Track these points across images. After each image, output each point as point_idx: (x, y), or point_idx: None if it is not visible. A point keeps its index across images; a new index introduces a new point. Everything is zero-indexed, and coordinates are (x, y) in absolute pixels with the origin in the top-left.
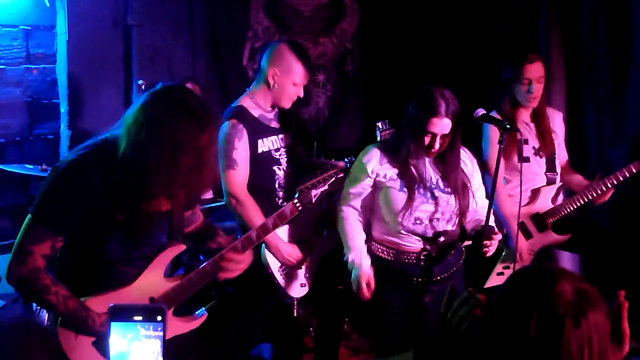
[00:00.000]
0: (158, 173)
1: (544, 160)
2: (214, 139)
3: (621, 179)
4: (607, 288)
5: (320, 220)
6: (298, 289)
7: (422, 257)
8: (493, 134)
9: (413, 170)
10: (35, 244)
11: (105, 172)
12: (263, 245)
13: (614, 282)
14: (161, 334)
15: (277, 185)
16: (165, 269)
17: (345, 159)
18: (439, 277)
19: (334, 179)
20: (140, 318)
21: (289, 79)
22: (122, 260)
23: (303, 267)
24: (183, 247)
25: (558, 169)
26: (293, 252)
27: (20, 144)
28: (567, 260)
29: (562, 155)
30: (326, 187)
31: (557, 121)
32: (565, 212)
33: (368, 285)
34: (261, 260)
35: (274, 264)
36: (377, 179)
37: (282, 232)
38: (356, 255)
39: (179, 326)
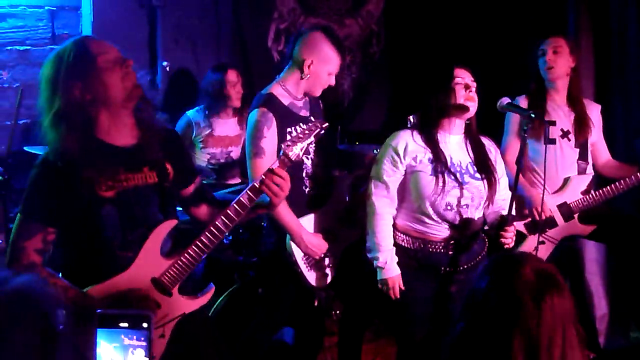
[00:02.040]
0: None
1: (572, 143)
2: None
3: None
4: (631, 278)
5: (346, 210)
6: (321, 278)
7: (449, 246)
8: (513, 123)
9: (443, 153)
10: (27, 239)
11: (81, 153)
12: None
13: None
14: (145, 343)
15: (304, 174)
16: (161, 247)
17: (374, 151)
18: (465, 266)
19: (318, 129)
20: (126, 325)
21: (325, 68)
22: (120, 244)
23: (327, 257)
24: (175, 222)
25: (590, 159)
26: (317, 243)
27: None
28: (592, 249)
29: (602, 152)
30: (312, 138)
31: (594, 113)
32: (593, 202)
33: (395, 289)
34: (286, 248)
35: (297, 253)
36: (408, 162)
37: (308, 222)
38: (387, 257)
39: (185, 304)
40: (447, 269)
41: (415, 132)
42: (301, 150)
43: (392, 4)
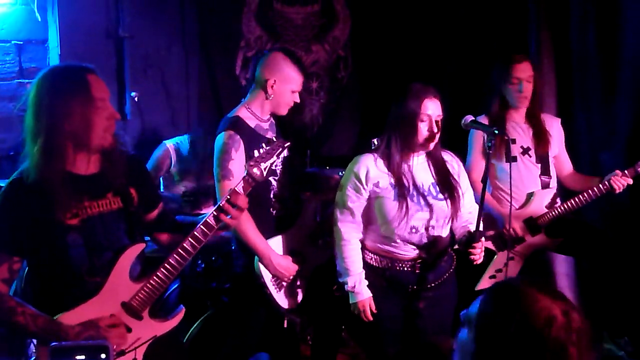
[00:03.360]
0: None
1: (534, 160)
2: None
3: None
4: (602, 290)
5: (316, 231)
6: (290, 300)
7: (417, 265)
8: (476, 141)
9: (405, 178)
10: None
11: (51, 181)
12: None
13: (609, 284)
14: None
15: (272, 196)
16: (130, 271)
17: (339, 173)
18: (433, 284)
19: (281, 149)
20: (82, 357)
21: (288, 86)
22: (88, 270)
23: (296, 278)
24: (143, 245)
25: (553, 173)
26: (286, 264)
27: (14, 159)
28: (561, 263)
29: (565, 164)
30: (275, 157)
31: (555, 127)
32: (558, 215)
33: (366, 312)
34: (254, 269)
35: (266, 275)
36: (371, 188)
37: (276, 244)
38: (356, 281)
39: (157, 327)
40: (415, 287)
41: (377, 157)
42: (265, 169)
43: (358, 29)
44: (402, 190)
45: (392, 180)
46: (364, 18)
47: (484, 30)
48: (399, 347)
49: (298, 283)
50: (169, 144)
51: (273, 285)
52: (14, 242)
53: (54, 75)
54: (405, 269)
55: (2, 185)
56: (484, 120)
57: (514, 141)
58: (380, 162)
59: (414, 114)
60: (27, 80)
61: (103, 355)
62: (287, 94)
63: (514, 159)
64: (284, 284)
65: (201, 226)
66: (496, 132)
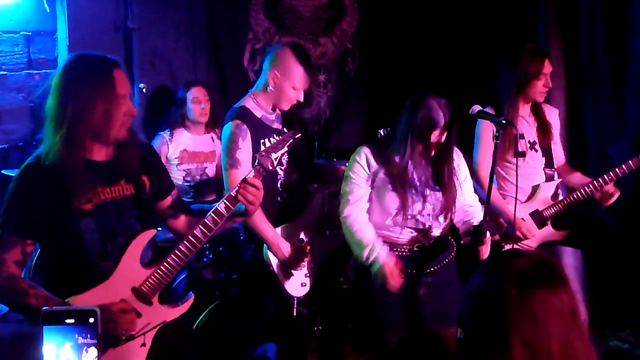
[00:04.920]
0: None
1: (540, 154)
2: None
3: (620, 174)
4: (609, 283)
5: (323, 221)
6: (298, 288)
7: (415, 249)
8: (485, 132)
9: (408, 172)
10: (6, 251)
11: (62, 168)
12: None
13: (617, 277)
14: (94, 340)
15: (279, 186)
16: (141, 256)
17: (346, 164)
18: (432, 269)
19: (292, 140)
20: (72, 321)
21: (289, 82)
22: (100, 255)
23: (304, 267)
24: (154, 231)
25: (556, 165)
26: (293, 252)
27: (23, 149)
28: (569, 256)
29: (559, 154)
30: (285, 149)
31: (553, 117)
32: (564, 207)
33: (393, 274)
34: (263, 257)
35: (275, 263)
36: (372, 178)
37: (283, 233)
38: (371, 249)
39: (166, 312)
40: (414, 271)
41: (380, 150)
42: (275, 160)
43: (366, 21)
44: (402, 183)
45: (394, 172)
46: (372, 11)
47: (492, 24)
48: (402, 334)
49: (306, 273)
50: (164, 133)
51: (282, 273)
52: (28, 225)
53: (81, 67)
54: (404, 253)
55: (11, 175)
56: (490, 112)
57: (522, 136)
58: (384, 154)
59: (421, 138)
60: (35, 71)
61: (91, 320)
62: (288, 90)
63: (522, 154)
64: (293, 272)
65: (212, 214)
66: (504, 122)
